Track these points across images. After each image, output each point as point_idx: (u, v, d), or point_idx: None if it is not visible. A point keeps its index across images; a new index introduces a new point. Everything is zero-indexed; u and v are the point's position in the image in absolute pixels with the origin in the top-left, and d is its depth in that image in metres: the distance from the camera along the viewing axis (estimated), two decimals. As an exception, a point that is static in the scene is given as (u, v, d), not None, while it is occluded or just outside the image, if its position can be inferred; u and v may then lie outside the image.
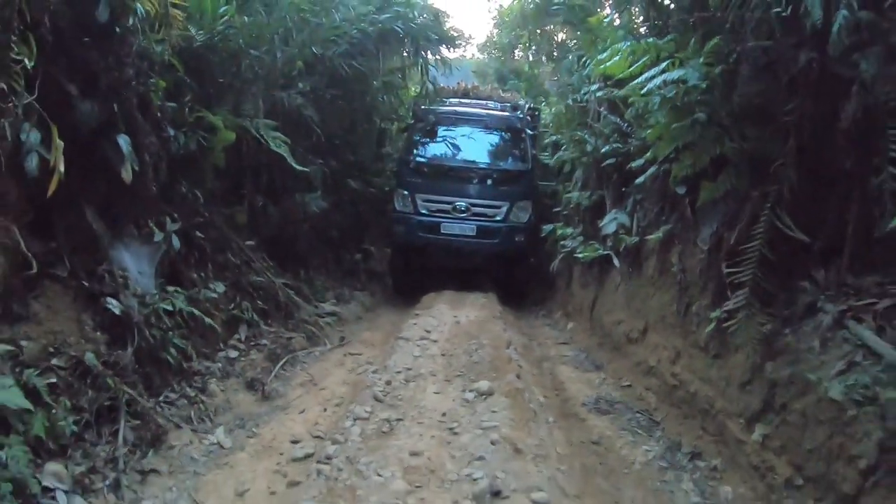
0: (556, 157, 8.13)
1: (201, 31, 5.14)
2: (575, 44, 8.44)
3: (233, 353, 4.77)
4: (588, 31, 6.29)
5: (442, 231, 7.98)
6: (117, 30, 3.81)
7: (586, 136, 6.70)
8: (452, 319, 6.19)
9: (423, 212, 8.09)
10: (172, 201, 4.71)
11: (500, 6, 15.85)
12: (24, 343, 3.03)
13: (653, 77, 3.72)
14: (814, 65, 3.06)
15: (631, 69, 4.12)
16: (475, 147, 8.56)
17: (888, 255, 2.99)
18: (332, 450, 3.38)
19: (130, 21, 3.84)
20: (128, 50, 3.89)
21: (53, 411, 2.89)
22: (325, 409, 4.24)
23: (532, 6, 10.84)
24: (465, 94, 10.14)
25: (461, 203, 8.00)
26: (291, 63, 6.55)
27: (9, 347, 2.93)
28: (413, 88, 9.78)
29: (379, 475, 3.06)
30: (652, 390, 4.57)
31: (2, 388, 2.65)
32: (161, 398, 3.75)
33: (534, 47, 12.03)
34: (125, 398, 3.31)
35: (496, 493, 2.87)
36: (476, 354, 4.99)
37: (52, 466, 2.75)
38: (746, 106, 3.45)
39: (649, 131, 4.38)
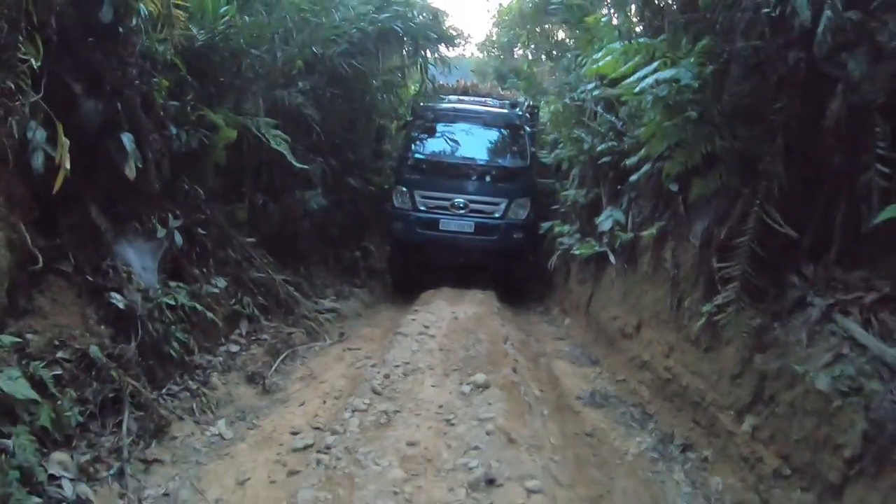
0: (554, 154, 8.17)
1: (203, 31, 5.20)
2: (573, 43, 8.48)
3: (234, 348, 4.84)
4: (585, 31, 6.35)
5: (440, 228, 7.93)
6: (121, 30, 3.89)
7: (583, 134, 6.74)
8: (451, 315, 6.22)
9: (422, 208, 8.03)
10: (174, 198, 4.77)
11: (500, 5, 15.96)
12: (30, 336, 3.11)
13: (646, 76, 3.77)
14: (801, 65, 3.10)
15: (623, 69, 4.17)
16: (474, 144, 8.46)
17: (875, 251, 3.04)
18: (331, 440, 3.44)
19: (134, 21, 3.93)
20: (131, 50, 3.97)
21: (59, 402, 2.96)
22: (324, 402, 4.30)
23: (531, 5, 10.87)
24: (465, 92, 10.12)
25: (460, 200, 7.95)
26: (291, 62, 6.61)
27: (16, 340, 2.99)
28: (412, 87, 9.79)
29: (377, 464, 3.13)
30: (645, 384, 4.63)
31: (9, 379, 2.72)
32: (164, 390, 3.83)
33: (533, 46, 12.03)
34: (129, 390, 3.39)
35: (491, 481, 2.94)
36: (473, 349, 5.03)
37: (58, 455, 2.83)
38: (737, 105, 3.50)
39: (643, 129, 4.44)
